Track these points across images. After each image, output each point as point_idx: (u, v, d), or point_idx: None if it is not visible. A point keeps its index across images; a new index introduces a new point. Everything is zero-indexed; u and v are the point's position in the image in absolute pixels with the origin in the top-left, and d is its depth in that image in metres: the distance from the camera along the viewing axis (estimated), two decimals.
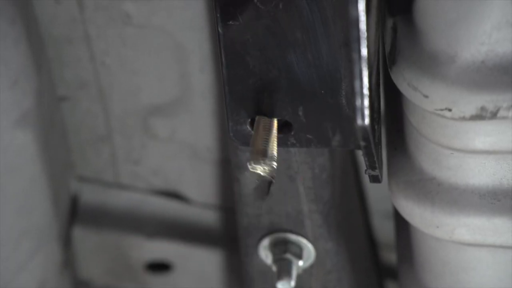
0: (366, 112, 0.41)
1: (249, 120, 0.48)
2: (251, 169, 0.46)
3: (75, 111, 0.70)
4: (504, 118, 0.43)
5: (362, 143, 0.44)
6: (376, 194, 0.69)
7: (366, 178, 0.67)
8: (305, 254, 0.58)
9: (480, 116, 0.43)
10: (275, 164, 0.46)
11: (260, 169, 0.46)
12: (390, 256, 0.73)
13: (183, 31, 0.64)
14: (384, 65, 0.50)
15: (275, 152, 0.46)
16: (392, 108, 0.51)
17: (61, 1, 0.64)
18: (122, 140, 0.71)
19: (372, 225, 0.71)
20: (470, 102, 0.43)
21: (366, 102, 0.41)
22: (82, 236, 0.74)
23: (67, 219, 0.73)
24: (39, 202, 0.69)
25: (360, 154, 0.64)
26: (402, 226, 0.57)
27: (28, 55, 0.64)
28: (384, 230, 0.72)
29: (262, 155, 0.45)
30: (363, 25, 0.39)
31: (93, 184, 0.73)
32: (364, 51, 0.40)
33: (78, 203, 0.74)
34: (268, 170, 0.46)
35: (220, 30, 0.46)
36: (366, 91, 0.41)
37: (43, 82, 0.66)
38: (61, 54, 0.67)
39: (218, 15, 0.45)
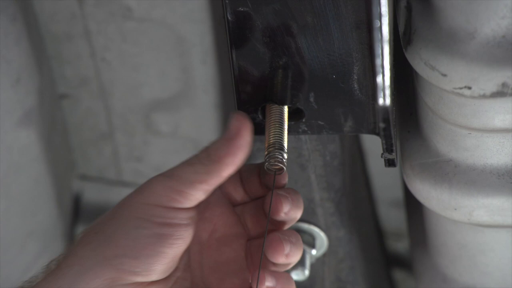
0: (388, 92, 0.41)
1: (260, 108, 0.48)
2: (266, 164, 0.45)
3: (76, 109, 0.70)
4: None
5: (382, 125, 0.43)
6: (381, 182, 0.69)
7: (371, 167, 0.66)
8: (317, 242, 0.58)
9: (501, 93, 0.43)
10: (286, 156, 0.45)
11: (274, 163, 0.45)
12: (395, 245, 0.73)
13: (184, 24, 0.64)
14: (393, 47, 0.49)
15: (285, 144, 0.46)
16: (404, 91, 0.50)
17: None
18: (124, 137, 0.70)
19: (378, 213, 0.71)
20: (491, 79, 0.43)
21: (388, 81, 0.41)
22: None
23: (71, 219, 0.72)
24: (44, 202, 0.68)
25: (366, 141, 0.64)
26: (414, 211, 0.57)
27: (30, 53, 0.63)
28: (389, 218, 0.71)
29: (275, 148, 0.45)
30: (384, 1, 0.39)
31: (95, 183, 0.73)
32: (385, 29, 0.39)
33: (80, 202, 0.73)
34: (280, 163, 0.45)
35: (229, 17, 0.45)
36: (387, 70, 0.40)
37: (44, 80, 0.66)
38: (61, 51, 0.66)
39: (226, 1, 0.45)
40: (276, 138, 0.45)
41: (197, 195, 0.45)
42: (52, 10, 0.64)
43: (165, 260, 0.44)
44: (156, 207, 0.45)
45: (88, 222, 0.73)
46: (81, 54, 0.66)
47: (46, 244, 0.69)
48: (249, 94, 0.47)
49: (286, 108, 0.47)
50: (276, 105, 0.47)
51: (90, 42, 0.66)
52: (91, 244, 0.44)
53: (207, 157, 0.45)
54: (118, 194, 0.73)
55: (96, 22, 0.65)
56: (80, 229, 0.73)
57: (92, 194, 0.73)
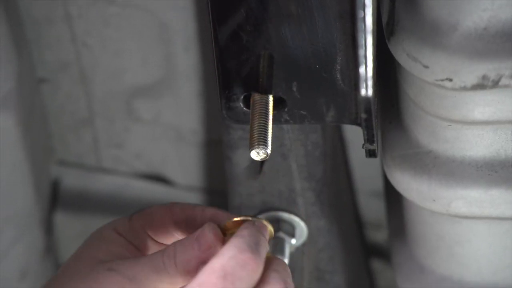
0: (370, 82, 0.41)
1: (242, 97, 0.48)
2: (252, 155, 0.45)
3: (56, 94, 0.69)
4: (506, 86, 0.43)
5: (364, 115, 0.43)
6: (361, 173, 0.69)
7: (352, 157, 0.66)
8: (297, 232, 0.58)
9: (481, 85, 0.43)
10: (269, 149, 0.45)
11: (257, 154, 0.45)
12: (374, 235, 0.73)
13: (167, 10, 0.63)
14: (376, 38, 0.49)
15: (269, 136, 0.45)
16: (385, 82, 0.51)
17: None
18: (104, 123, 0.70)
19: (358, 204, 0.72)
20: (472, 71, 0.43)
21: (370, 72, 0.41)
22: (64, 222, 0.73)
23: (48, 205, 0.72)
24: (21, 188, 0.67)
25: (348, 132, 0.64)
26: (394, 202, 0.57)
27: (9, 36, 0.62)
28: (369, 209, 0.72)
29: (259, 140, 0.45)
30: None
31: (74, 169, 0.72)
32: (369, 19, 0.39)
33: (59, 188, 0.72)
34: (264, 154, 0.45)
35: (211, 5, 0.45)
36: (370, 61, 0.40)
37: (23, 64, 0.65)
38: (41, 35, 0.66)
39: None
40: (261, 131, 0.45)
41: None
42: None
43: None
44: None
45: (66, 209, 0.72)
46: (62, 39, 0.66)
47: (23, 230, 0.68)
48: (231, 83, 0.47)
49: (271, 99, 0.46)
50: (261, 96, 0.46)
51: (71, 27, 0.65)
52: None
53: (174, 266, 0.42)
54: (97, 181, 0.72)
55: (77, 6, 0.64)
56: (58, 215, 0.72)
57: (71, 180, 0.72)
